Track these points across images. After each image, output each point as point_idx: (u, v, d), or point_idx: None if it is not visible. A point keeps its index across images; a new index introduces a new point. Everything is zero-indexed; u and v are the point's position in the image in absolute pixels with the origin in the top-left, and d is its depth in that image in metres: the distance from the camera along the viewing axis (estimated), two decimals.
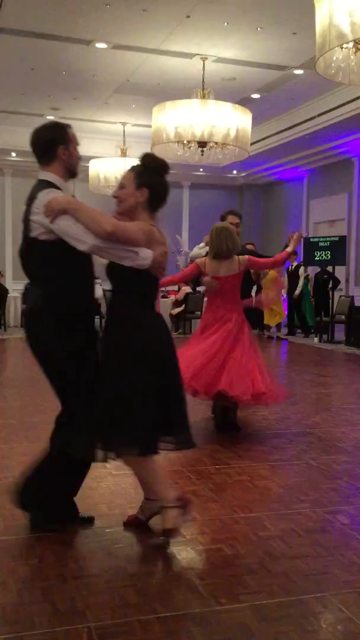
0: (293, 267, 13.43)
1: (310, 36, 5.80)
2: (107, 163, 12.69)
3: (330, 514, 3.27)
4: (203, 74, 9.60)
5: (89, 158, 13.09)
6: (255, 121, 10.83)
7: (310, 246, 12.43)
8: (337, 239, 12.24)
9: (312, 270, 13.59)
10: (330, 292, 12.61)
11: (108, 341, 2.89)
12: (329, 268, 12.70)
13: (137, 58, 9.93)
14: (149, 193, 2.87)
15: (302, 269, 13.33)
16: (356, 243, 14.59)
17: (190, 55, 9.71)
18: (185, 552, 2.83)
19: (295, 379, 8.00)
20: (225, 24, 8.54)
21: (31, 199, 2.79)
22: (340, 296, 13.41)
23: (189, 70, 10.14)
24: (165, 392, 2.89)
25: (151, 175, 2.89)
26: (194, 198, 17.79)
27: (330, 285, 12.69)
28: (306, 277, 13.45)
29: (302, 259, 13.16)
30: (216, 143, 9.09)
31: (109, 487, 3.62)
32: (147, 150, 9.82)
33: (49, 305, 2.80)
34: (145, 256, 2.75)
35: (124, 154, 12.68)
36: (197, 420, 4.93)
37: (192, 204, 17.85)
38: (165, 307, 14.08)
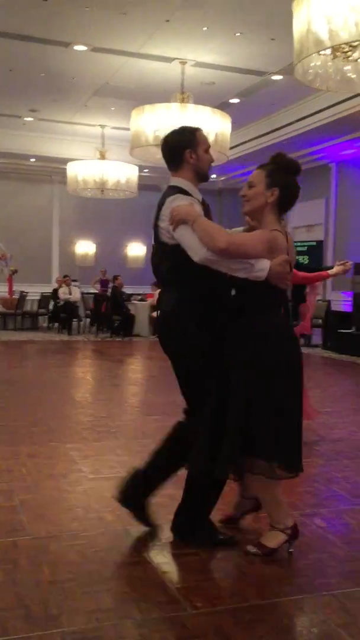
0: None
1: (289, 42, 5.83)
2: (85, 166, 12.64)
3: (306, 516, 3.28)
4: (182, 77, 9.62)
5: (67, 160, 13.03)
6: (234, 126, 10.86)
7: None
8: (314, 243, 12.36)
9: None
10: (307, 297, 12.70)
11: (241, 355, 2.73)
12: None
13: (116, 61, 9.92)
14: (280, 193, 2.76)
15: None
16: (333, 248, 14.71)
17: (169, 59, 9.73)
18: (161, 557, 2.82)
19: None
20: (205, 28, 8.58)
21: (160, 205, 2.82)
22: (317, 300, 13.52)
23: (168, 74, 10.15)
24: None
25: (283, 174, 2.77)
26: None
27: (307, 290, 12.78)
28: None
29: None
30: None
31: (86, 491, 3.60)
32: (126, 153, 9.85)
33: (182, 309, 2.78)
34: (261, 267, 2.64)
35: (102, 156, 12.64)
36: None
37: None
38: (144, 310, 14.08)
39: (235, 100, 11.71)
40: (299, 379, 2.81)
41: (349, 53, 5.99)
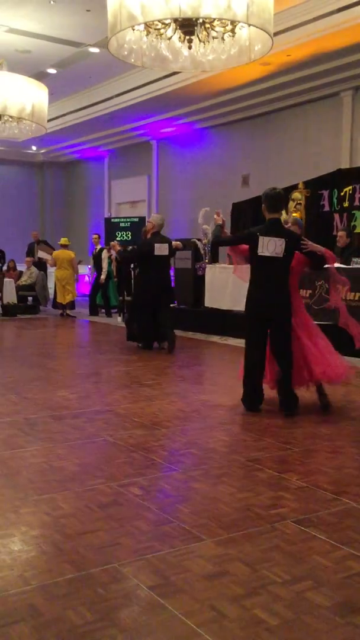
0: (97, 250, 13.54)
1: (104, 14, 5.78)
2: None
3: (123, 487, 3.36)
4: None
5: None
6: (53, 97, 10.62)
7: (112, 226, 12.57)
8: (137, 219, 12.52)
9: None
10: (132, 272, 12.86)
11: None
12: (130, 248, 12.93)
13: None
14: None
15: (104, 252, 13.52)
16: None
17: None
18: None
19: (99, 358, 8.09)
20: None
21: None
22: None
23: None
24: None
25: None
26: None
27: (132, 266, 12.94)
28: (109, 258, 13.68)
29: (105, 243, 13.30)
30: (11, 117, 8.76)
31: None
32: None
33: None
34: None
35: None
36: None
37: None
38: None
39: (52, 71, 11.40)
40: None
41: (162, 30, 6.08)
